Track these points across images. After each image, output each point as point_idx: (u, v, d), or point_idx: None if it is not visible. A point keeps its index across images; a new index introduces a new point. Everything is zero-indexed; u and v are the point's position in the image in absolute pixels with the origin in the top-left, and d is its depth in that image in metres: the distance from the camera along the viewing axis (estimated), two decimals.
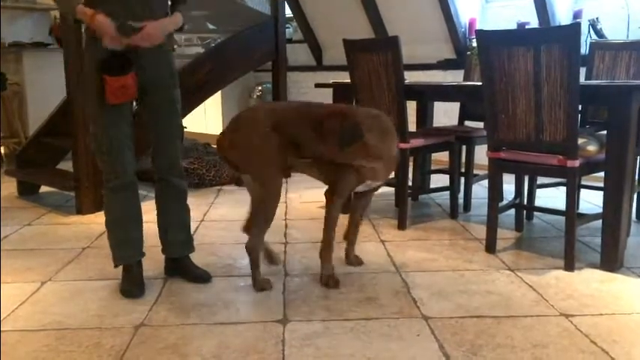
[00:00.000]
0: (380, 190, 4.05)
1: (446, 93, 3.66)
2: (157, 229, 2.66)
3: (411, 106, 3.70)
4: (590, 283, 2.58)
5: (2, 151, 5.93)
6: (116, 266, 2.53)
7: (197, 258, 2.96)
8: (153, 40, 2.32)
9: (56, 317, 2.27)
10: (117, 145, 2.37)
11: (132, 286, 2.49)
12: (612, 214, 2.67)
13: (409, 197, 3.87)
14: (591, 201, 3.92)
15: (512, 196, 3.38)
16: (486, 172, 3.14)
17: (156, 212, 2.64)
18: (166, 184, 2.60)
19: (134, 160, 2.46)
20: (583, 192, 3.81)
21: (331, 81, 3.92)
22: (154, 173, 2.59)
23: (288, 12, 6.50)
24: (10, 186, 4.61)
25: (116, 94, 2.29)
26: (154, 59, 2.41)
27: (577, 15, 4.67)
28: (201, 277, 2.66)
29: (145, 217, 2.58)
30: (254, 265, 2.51)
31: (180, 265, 2.68)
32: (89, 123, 2.42)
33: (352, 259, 2.82)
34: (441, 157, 4.17)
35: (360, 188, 2.56)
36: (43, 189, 4.52)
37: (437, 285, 2.57)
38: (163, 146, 2.54)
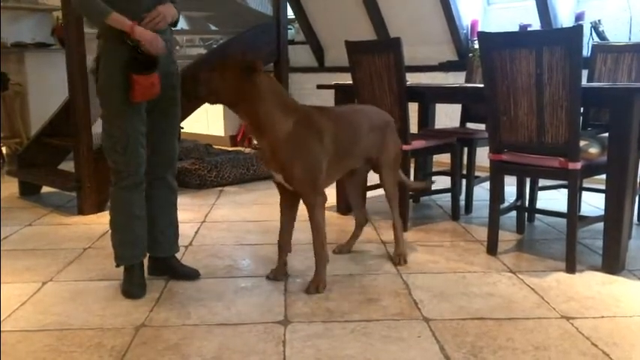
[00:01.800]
0: (380, 192, 4.05)
1: (447, 95, 3.66)
2: (150, 229, 2.60)
3: (413, 108, 3.70)
4: (591, 285, 2.57)
5: (4, 151, 5.94)
6: (118, 266, 2.53)
7: (198, 259, 2.96)
8: (166, 19, 2.37)
9: (57, 317, 2.27)
10: (133, 144, 2.38)
11: (134, 286, 2.49)
12: (614, 217, 2.67)
13: (410, 199, 3.87)
14: (593, 203, 3.91)
15: (514, 198, 3.37)
16: (488, 174, 3.13)
17: (148, 213, 2.59)
18: (163, 182, 2.60)
19: (145, 159, 2.46)
20: (584, 194, 3.81)
21: (333, 82, 3.92)
22: (148, 172, 2.55)
23: (290, 13, 6.51)
24: (11, 186, 4.61)
25: (144, 93, 2.32)
26: (164, 58, 2.42)
27: (579, 17, 4.66)
28: (190, 274, 2.67)
29: None
30: None
31: (169, 264, 2.69)
32: (104, 122, 2.41)
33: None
34: (443, 159, 4.17)
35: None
36: (45, 189, 4.52)
37: (438, 287, 2.56)
38: (165, 144, 2.55)
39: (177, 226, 2.71)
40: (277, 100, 2.39)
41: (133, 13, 2.30)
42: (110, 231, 2.53)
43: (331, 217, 3.74)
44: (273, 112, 2.37)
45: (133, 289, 2.48)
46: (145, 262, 2.63)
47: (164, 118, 2.52)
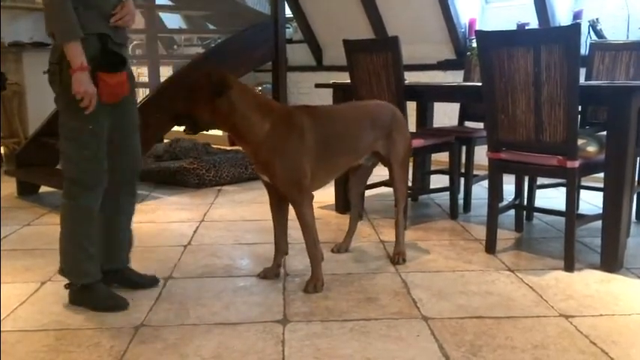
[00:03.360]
0: (379, 191, 4.08)
1: (446, 93, 3.66)
2: (108, 239, 2.44)
3: (411, 107, 3.71)
4: (589, 283, 2.58)
5: (2, 151, 5.93)
6: (82, 288, 2.34)
7: (197, 258, 2.96)
8: (134, 18, 2.30)
9: (56, 317, 2.27)
10: (102, 150, 2.26)
11: (114, 298, 2.36)
12: (612, 215, 2.67)
13: (409, 197, 3.88)
14: (591, 202, 3.92)
15: (512, 196, 3.38)
16: (486, 172, 3.14)
17: (107, 221, 2.43)
18: (127, 188, 2.46)
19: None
20: (583, 193, 3.81)
21: (331, 81, 3.92)
22: (114, 176, 2.38)
23: (288, 12, 6.50)
24: (9, 186, 4.60)
25: (112, 92, 2.20)
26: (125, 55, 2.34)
27: (577, 15, 4.67)
28: (150, 282, 2.57)
29: (142, 217, 2.54)
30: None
31: (124, 276, 2.54)
32: (69, 129, 2.24)
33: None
34: (441, 158, 4.17)
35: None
36: (43, 189, 4.51)
37: (437, 285, 2.57)
38: (131, 144, 2.42)
39: (132, 236, 2.57)
40: (252, 106, 2.37)
41: (100, 9, 2.21)
42: (68, 250, 2.32)
43: (329, 215, 3.74)
44: (249, 118, 2.36)
45: (115, 300, 2.35)
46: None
47: (126, 117, 2.38)
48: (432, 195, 4.27)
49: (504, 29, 3.97)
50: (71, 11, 2.11)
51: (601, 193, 2.77)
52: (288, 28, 6.86)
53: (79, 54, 2.12)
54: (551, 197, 4.01)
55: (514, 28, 4.78)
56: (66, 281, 2.38)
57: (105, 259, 2.45)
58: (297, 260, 2.89)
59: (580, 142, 2.70)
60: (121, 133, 2.37)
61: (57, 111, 2.33)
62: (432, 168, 4.34)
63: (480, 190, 4.19)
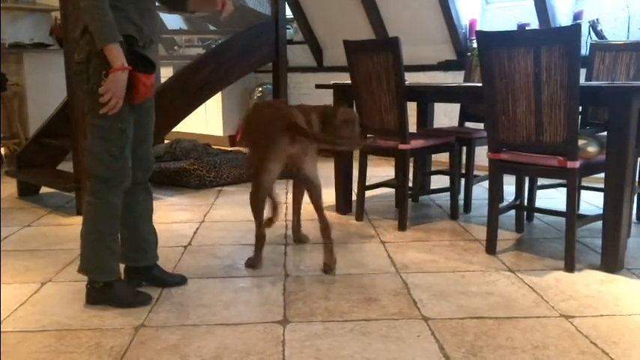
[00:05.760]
0: (380, 191, 4.08)
1: (446, 94, 3.66)
2: (133, 238, 2.49)
3: (412, 107, 3.70)
4: (590, 284, 2.58)
5: (2, 152, 5.93)
6: (105, 285, 2.36)
7: (197, 259, 2.96)
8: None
9: (56, 318, 2.27)
10: (128, 147, 2.30)
11: (137, 293, 2.40)
12: (612, 216, 2.67)
13: (409, 198, 3.88)
14: (591, 202, 3.92)
15: (513, 197, 3.37)
16: (487, 173, 3.14)
17: (130, 221, 2.47)
18: (143, 188, 2.49)
19: None
20: (583, 193, 3.81)
21: (332, 82, 3.92)
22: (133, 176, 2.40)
23: (289, 13, 6.51)
24: (10, 187, 4.61)
25: (146, 92, 2.25)
26: (153, 56, 2.37)
27: (577, 16, 4.67)
28: (178, 281, 2.60)
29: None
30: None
31: (152, 274, 2.57)
32: (97, 126, 2.25)
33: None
34: (442, 158, 4.17)
35: None
36: (44, 190, 4.52)
37: (437, 286, 2.56)
38: (147, 147, 2.46)
39: (156, 233, 2.61)
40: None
41: (125, 12, 2.21)
42: (92, 247, 2.35)
43: (329, 216, 3.72)
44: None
45: (139, 295, 2.40)
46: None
47: (148, 119, 2.42)
48: (433, 195, 4.27)
49: (505, 30, 3.97)
50: (110, 14, 2.13)
51: (601, 194, 2.77)
52: (289, 28, 6.86)
53: (120, 55, 2.14)
54: (552, 198, 4.01)
55: (514, 28, 4.79)
56: (63, 280, 2.38)
57: (131, 258, 2.52)
58: (297, 260, 2.89)
59: (580, 142, 2.70)
60: (142, 132, 2.41)
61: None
62: (433, 169, 4.33)
63: (481, 191, 4.19)
